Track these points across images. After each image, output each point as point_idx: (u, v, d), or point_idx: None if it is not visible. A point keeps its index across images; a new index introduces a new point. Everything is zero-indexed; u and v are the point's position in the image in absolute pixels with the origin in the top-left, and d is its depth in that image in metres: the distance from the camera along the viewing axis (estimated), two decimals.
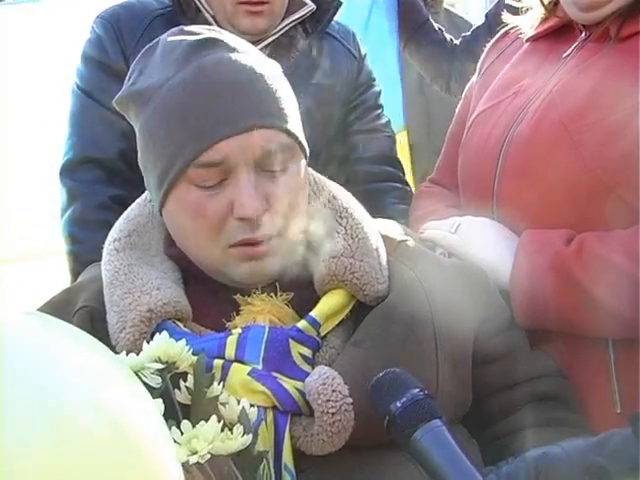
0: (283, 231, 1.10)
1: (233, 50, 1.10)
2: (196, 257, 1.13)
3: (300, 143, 1.13)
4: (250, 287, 1.13)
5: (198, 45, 1.09)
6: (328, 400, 1.00)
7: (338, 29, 1.75)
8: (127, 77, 1.15)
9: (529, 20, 1.42)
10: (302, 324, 1.08)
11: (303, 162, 1.14)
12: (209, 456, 0.89)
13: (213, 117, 1.06)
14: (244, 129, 1.06)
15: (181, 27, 1.15)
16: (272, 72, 1.12)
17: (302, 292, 1.13)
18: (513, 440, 1.13)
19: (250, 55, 1.12)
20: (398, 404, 0.93)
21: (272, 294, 1.12)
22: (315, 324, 1.09)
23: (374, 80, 1.79)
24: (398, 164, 1.83)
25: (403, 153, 2.54)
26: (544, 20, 1.40)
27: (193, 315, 1.12)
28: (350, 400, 1.01)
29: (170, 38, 1.13)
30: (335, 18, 1.74)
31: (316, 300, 1.12)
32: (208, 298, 1.14)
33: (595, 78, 1.26)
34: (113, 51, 1.63)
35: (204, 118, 1.06)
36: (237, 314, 1.11)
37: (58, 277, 1.70)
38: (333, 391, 1.01)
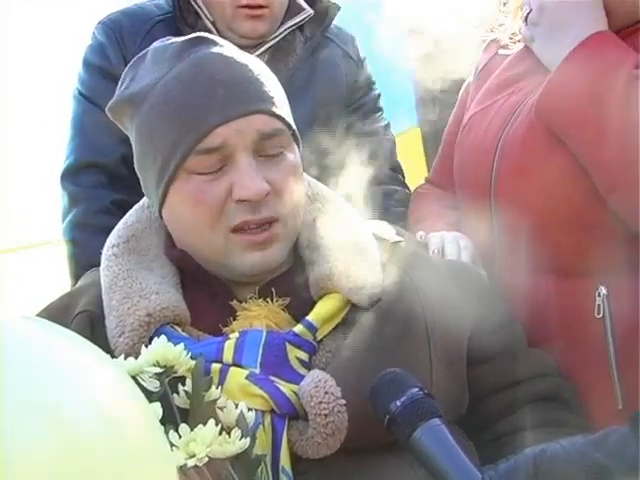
0: (284, 216, 1.12)
1: (221, 45, 1.15)
2: (199, 251, 1.14)
3: (294, 132, 1.16)
4: (252, 280, 1.13)
5: (188, 43, 1.14)
6: (320, 402, 1.01)
7: (337, 33, 1.75)
8: (119, 85, 1.18)
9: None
10: (299, 328, 1.09)
11: (297, 151, 1.17)
12: (207, 459, 0.90)
13: (210, 105, 1.08)
14: (240, 114, 1.09)
15: (168, 37, 1.19)
16: (261, 64, 1.17)
17: (298, 297, 1.14)
18: (512, 441, 1.13)
19: (238, 50, 1.16)
20: (398, 403, 0.94)
21: (268, 299, 1.13)
22: (311, 328, 1.09)
23: (373, 83, 1.80)
24: (398, 167, 1.83)
25: (417, 151, 2.52)
26: None
27: (191, 320, 1.12)
28: (343, 402, 1.02)
29: (160, 44, 1.17)
30: (335, 21, 1.75)
31: (312, 304, 1.12)
32: (206, 302, 1.15)
33: (592, 77, 1.27)
34: (114, 57, 1.64)
35: (201, 107, 1.09)
36: (234, 319, 1.12)
37: (58, 266, 1.70)
38: (325, 393, 1.01)
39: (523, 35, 1.37)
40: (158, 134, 1.11)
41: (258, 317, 1.11)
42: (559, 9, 1.28)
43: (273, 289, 1.13)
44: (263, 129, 1.10)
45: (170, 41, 1.16)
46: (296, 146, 1.17)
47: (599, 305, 1.25)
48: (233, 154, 1.09)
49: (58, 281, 1.66)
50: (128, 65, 1.19)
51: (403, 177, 1.83)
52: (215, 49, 1.13)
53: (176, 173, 1.10)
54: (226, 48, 1.15)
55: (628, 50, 1.22)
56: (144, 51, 1.18)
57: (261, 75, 1.13)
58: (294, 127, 1.16)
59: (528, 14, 1.33)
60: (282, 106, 1.14)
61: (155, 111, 1.11)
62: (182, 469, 0.88)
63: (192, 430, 0.92)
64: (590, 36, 1.24)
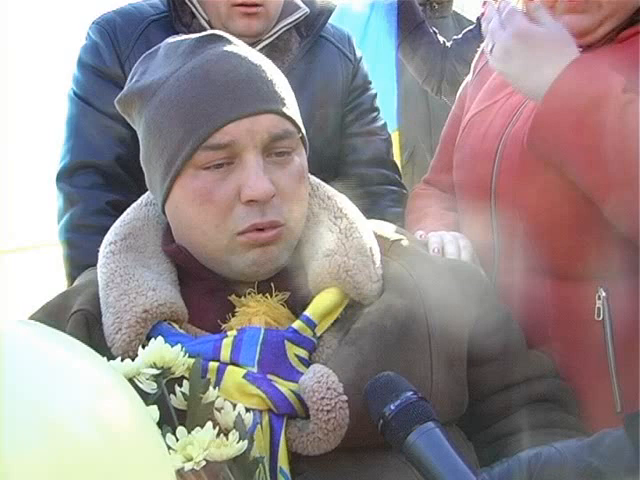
0: (288, 218, 1.11)
1: (236, 44, 1.15)
2: (200, 248, 1.13)
3: (302, 134, 1.15)
4: (252, 278, 1.13)
5: (203, 40, 1.13)
6: (323, 398, 1.00)
7: (333, 32, 1.75)
8: (129, 78, 1.18)
9: None
10: (297, 324, 1.08)
11: (304, 154, 1.16)
12: (204, 462, 0.89)
13: (221, 102, 1.08)
14: (251, 112, 1.08)
15: (180, 34, 1.18)
16: (272, 66, 1.16)
17: (298, 292, 1.13)
18: (510, 442, 1.13)
19: (252, 50, 1.16)
20: (392, 407, 0.93)
21: (267, 294, 1.12)
22: (310, 323, 1.09)
23: (370, 83, 1.79)
24: (394, 167, 1.83)
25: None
26: None
27: (189, 316, 1.12)
28: (345, 398, 1.01)
29: (172, 40, 1.16)
30: (332, 22, 1.75)
31: (311, 300, 1.12)
32: (204, 299, 1.14)
33: (580, 108, 1.26)
34: (109, 57, 1.63)
35: (212, 103, 1.08)
36: (233, 315, 1.12)
37: (56, 267, 1.70)
38: (328, 389, 1.01)
39: (491, 66, 1.30)
40: (167, 128, 1.10)
41: (257, 314, 1.10)
42: (525, 43, 1.22)
43: (272, 284, 1.13)
44: (273, 130, 1.09)
45: (184, 37, 1.16)
46: (304, 149, 1.17)
47: (599, 308, 1.25)
48: (241, 153, 1.08)
49: (58, 282, 1.66)
50: (139, 60, 1.18)
51: (400, 177, 1.83)
52: (229, 47, 1.13)
53: (183, 168, 1.10)
54: (241, 47, 1.15)
55: (611, 72, 1.19)
56: (156, 46, 1.17)
57: (274, 76, 1.13)
58: (303, 130, 1.15)
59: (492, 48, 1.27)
60: (293, 108, 1.14)
61: (165, 105, 1.10)
62: (179, 472, 0.88)
63: (189, 432, 0.91)
64: (569, 66, 1.20)
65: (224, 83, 1.08)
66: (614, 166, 1.15)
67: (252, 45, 1.60)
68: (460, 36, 2.85)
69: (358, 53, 1.78)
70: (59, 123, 1.72)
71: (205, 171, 1.09)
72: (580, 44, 1.29)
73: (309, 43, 1.69)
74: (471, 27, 2.81)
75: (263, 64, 1.13)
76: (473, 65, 1.56)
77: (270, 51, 1.64)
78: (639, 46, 1.24)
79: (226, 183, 1.09)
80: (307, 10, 1.68)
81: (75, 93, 1.68)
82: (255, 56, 1.14)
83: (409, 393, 0.94)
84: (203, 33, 1.15)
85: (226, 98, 1.08)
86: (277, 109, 1.10)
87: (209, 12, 1.62)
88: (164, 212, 1.17)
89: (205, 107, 1.08)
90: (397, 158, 2.51)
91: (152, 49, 1.18)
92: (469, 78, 1.55)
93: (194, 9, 1.63)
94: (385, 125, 1.83)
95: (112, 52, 1.63)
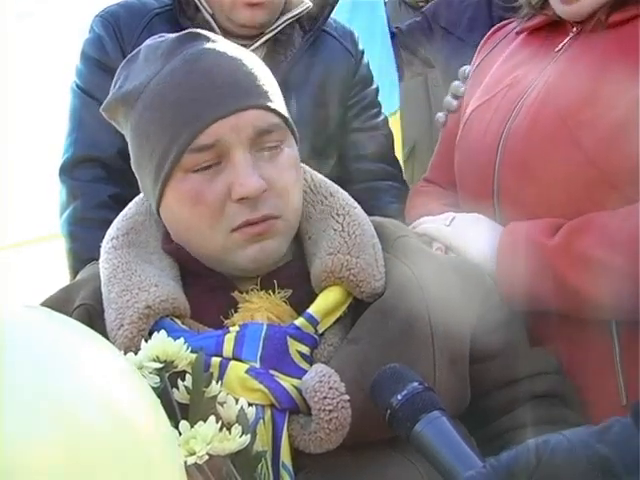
0: (283, 211, 1.11)
1: (214, 41, 1.14)
2: (198, 248, 1.14)
3: (290, 125, 1.15)
4: (252, 274, 1.13)
5: (180, 39, 1.13)
6: (325, 397, 1.00)
7: (336, 27, 1.75)
8: (113, 84, 1.17)
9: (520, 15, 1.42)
10: (300, 321, 1.08)
11: (294, 145, 1.16)
12: (207, 457, 0.89)
13: (203, 102, 1.07)
14: (234, 110, 1.08)
15: (161, 34, 1.18)
16: (254, 59, 1.15)
17: (300, 289, 1.13)
18: (512, 438, 1.13)
19: (231, 45, 1.15)
20: (399, 397, 0.94)
21: (270, 291, 1.12)
22: (313, 321, 1.09)
23: (372, 78, 1.80)
24: (396, 162, 1.83)
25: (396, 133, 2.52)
26: (534, 15, 1.39)
27: (191, 312, 1.12)
28: (347, 397, 1.01)
29: (152, 41, 1.16)
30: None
31: (314, 297, 1.12)
32: (206, 295, 1.14)
33: (588, 69, 1.25)
34: (112, 50, 1.64)
35: (194, 104, 1.08)
36: (235, 311, 1.12)
37: (54, 263, 1.70)
38: (330, 388, 1.01)
39: None
40: (153, 133, 1.10)
41: (259, 310, 1.10)
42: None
43: (275, 281, 1.13)
44: (259, 125, 1.09)
45: (162, 38, 1.15)
46: (293, 140, 1.16)
47: None
48: (228, 151, 1.08)
49: (59, 277, 1.66)
50: (121, 64, 1.18)
51: (400, 173, 1.83)
52: (208, 45, 1.12)
53: (172, 171, 1.10)
54: (219, 44, 1.14)
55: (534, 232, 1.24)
56: (137, 49, 1.16)
57: (255, 69, 1.12)
58: (290, 121, 1.15)
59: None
60: (277, 100, 1.13)
61: (149, 110, 1.10)
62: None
63: (192, 426, 0.91)
64: (503, 232, 1.27)
65: (204, 83, 1.08)
66: None
67: (255, 38, 1.61)
68: (405, 25, 2.83)
69: (360, 48, 1.78)
70: (58, 118, 1.72)
71: (194, 173, 1.09)
72: (572, 14, 1.29)
73: (312, 37, 1.69)
74: (417, 18, 2.80)
75: (243, 58, 1.12)
76: (473, 59, 1.55)
77: (273, 45, 1.64)
78: (631, 33, 1.23)
79: (216, 183, 1.09)
80: (310, 4, 1.68)
81: (78, 86, 1.68)
82: (235, 51, 1.13)
83: (415, 383, 0.95)
84: (181, 33, 1.14)
85: (207, 98, 1.07)
86: (260, 103, 1.10)
87: (212, 4, 1.62)
88: (159, 215, 1.17)
89: (187, 110, 1.07)
90: (397, 141, 2.49)
91: (133, 52, 1.17)
92: (470, 72, 1.54)
93: (197, 2, 1.63)
94: (387, 120, 1.83)
95: (116, 45, 1.63)
